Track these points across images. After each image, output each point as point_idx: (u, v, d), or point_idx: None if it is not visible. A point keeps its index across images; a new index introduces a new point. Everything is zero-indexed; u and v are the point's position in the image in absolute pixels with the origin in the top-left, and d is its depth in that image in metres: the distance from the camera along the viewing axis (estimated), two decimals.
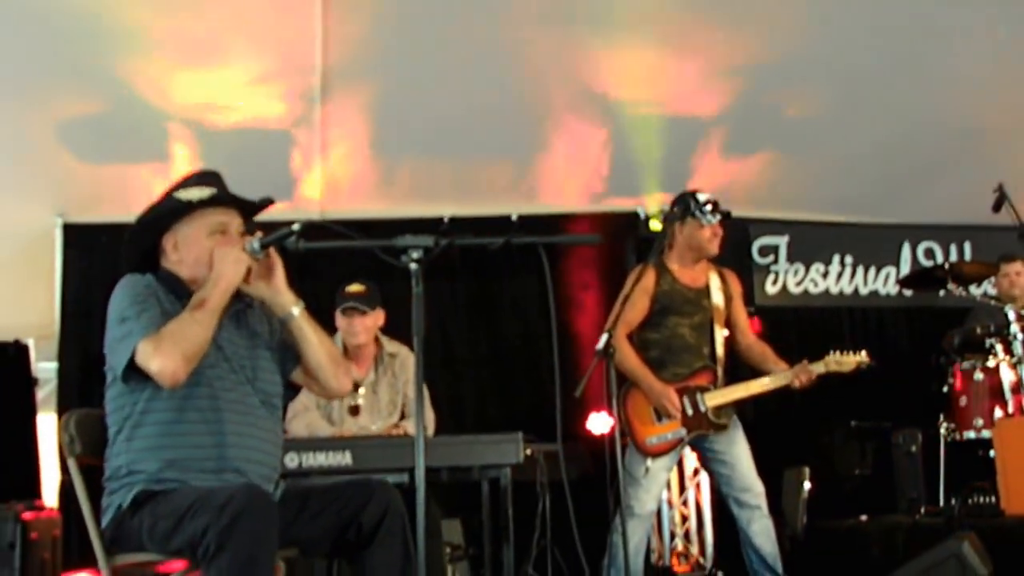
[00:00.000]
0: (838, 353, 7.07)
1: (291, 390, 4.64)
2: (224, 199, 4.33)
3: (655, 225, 8.25)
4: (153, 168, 8.83)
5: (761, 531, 6.94)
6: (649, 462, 6.86)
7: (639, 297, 6.90)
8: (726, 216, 7.04)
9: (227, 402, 4.16)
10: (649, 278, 6.97)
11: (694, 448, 7.23)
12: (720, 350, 7.12)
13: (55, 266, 9.62)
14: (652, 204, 10.24)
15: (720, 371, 7.06)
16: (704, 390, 6.94)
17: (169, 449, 4.07)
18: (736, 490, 6.96)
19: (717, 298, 7.14)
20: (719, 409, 6.93)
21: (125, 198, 8.42)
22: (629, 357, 6.90)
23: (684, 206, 7.03)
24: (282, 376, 4.45)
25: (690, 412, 6.89)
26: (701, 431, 6.93)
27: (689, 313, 7.04)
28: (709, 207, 6.96)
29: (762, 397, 7.09)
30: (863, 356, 7.11)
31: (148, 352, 3.92)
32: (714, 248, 7.09)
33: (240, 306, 4.36)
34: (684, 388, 6.92)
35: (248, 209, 4.42)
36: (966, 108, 9.05)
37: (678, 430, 6.89)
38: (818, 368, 6.98)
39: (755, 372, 7.18)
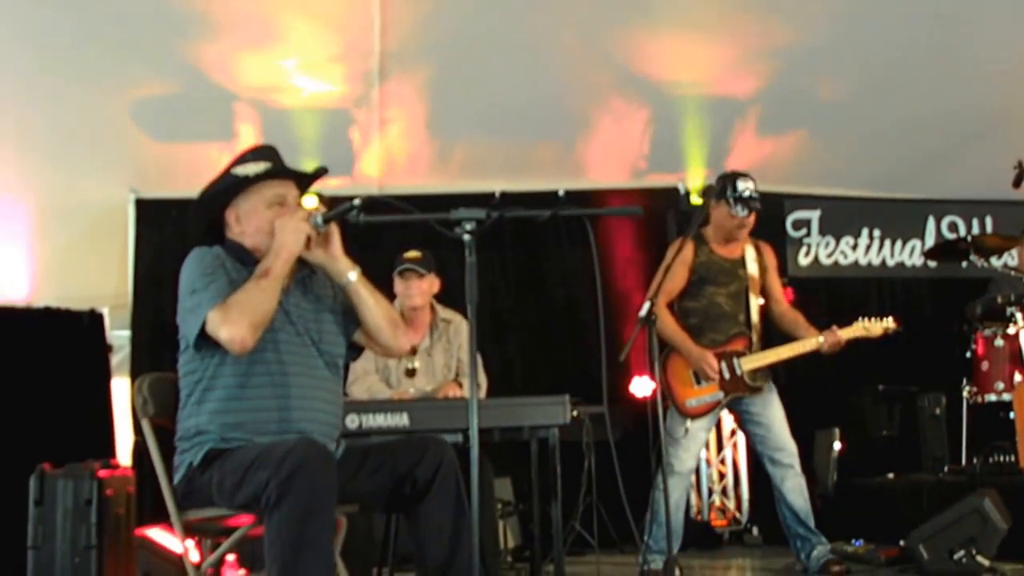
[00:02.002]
0: (866, 320, 7.08)
1: (356, 351, 4.61)
2: (278, 172, 4.32)
3: (696, 200, 8.22)
4: (220, 146, 8.85)
5: (794, 488, 6.97)
6: (688, 423, 6.90)
7: (678, 268, 6.93)
8: (754, 212, 7.04)
9: (292, 364, 4.15)
10: (688, 251, 6.98)
11: (731, 410, 7.22)
12: (755, 317, 7.13)
13: (128, 239, 9.68)
14: (692, 180, 10.20)
15: (755, 337, 7.07)
16: (740, 355, 6.96)
17: (237, 412, 4.06)
18: (771, 449, 6.98)
19: (752, 268, 7.14)
20: (754, 372, 6.96)
21: (194, 175, 8.37)
22: (669, 324, 6.92)
23: (721, 189, 7.03)
24: (345, 338, 4.43)
25: (727, 376, 6.92)
26: (738, 393, 6.95)
27: (725, 283, 7.05)
28: (741, 203, 6.93)
29: (794, 361, 7.09)
30: (890, 322, 7.14)
31: (217, 321, 3.91)
32: (741, 236, 7.13)
33: (306, 272, 4.35)
34: (721, 353, 6.95)
35: (303, 180, 4.41)
36: (988, 90, 8.98)
37: (716, 393, 6.93)
38: (846, 334, 6.99)
39: (787, 339, 7.15)
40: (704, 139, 9.54)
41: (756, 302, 7.18)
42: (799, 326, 7.18)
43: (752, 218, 7.06)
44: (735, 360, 6.94)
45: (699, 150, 9.76)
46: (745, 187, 6.98)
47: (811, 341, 7.00)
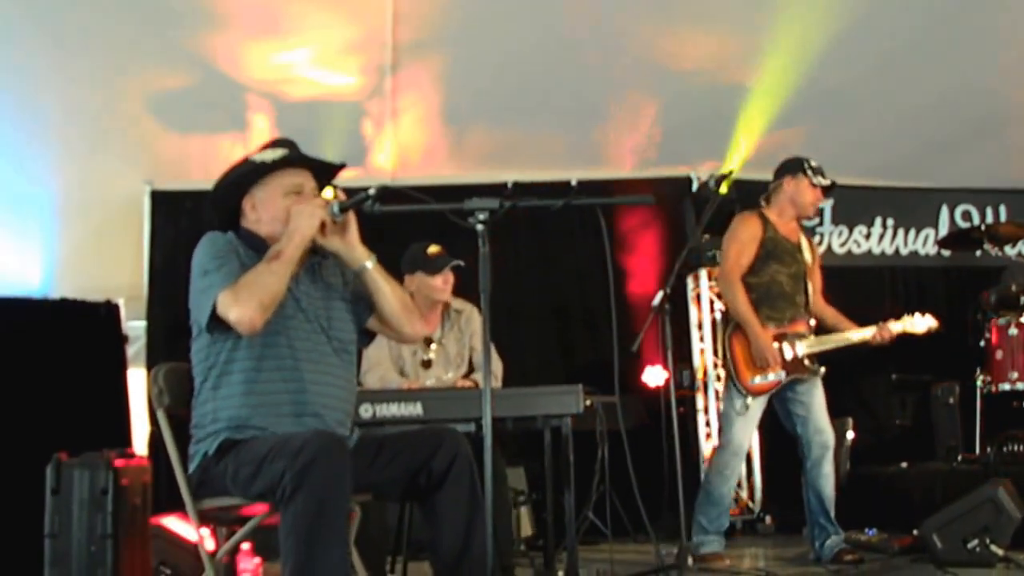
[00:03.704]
0: (912, 316, 7.23)
1: (368, 338, 4.63)
2: (296, 159, 4.33)
3: (723, 189, 8.21)
4: (234, 138, 8.88)
5: (827, 475, 7.05)
6: (749, 400, 6.98)
7: (750, 243, 7.06)
8: (832, 185, 7.21)
9: (304, 351, 4.16)
10: (757, 225, 7.11)
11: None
12: (811, 302, 7.17)
13: (143, 230, 9.72)
14: (703, 170, 10.20)
15: (813, 322, 7.11)
16: (802, 337, 7.04)
17: (251, 396, 4.08)
18: (810, 432, 7.05)
19: (807, 255, 7.22)
20: (811, 357, 7.00)
21: (209, 166, 8.47)
22: (742, 302, 7.01)
23: (798, 164, 7.17)
24: (357, 325, 4.44)
25: (788, 356, 7.00)
26: (798, 375, 7.02)
27: (788, 263, 7.12)
28: (820, 174, 7.12)
29: (845, 350, 7.18)
30: (932, 321, 7.28)
31: (227, 302, 3.93)
32: (812, 211, 7.27)
33: (315, 259, 4.36)
34: (783, 334, 7.04)
35: (321, 171, 4.42)
36: (1002, 78, 8.97)
37: (779, 372, 6.98)
38: (896, 328, 7.13)
39: (827, 330, 7.27)
40: (714, 129, 9.53)
41: (812, 287, 7.27)
42: (840, 320, 7.29)
43: (823, 196, 7.26)
44: (796, 342, 7.02)
45: (708, 140, 9.77)
46: (818, 164, 7.17)
47: (865, 332, 7.13)
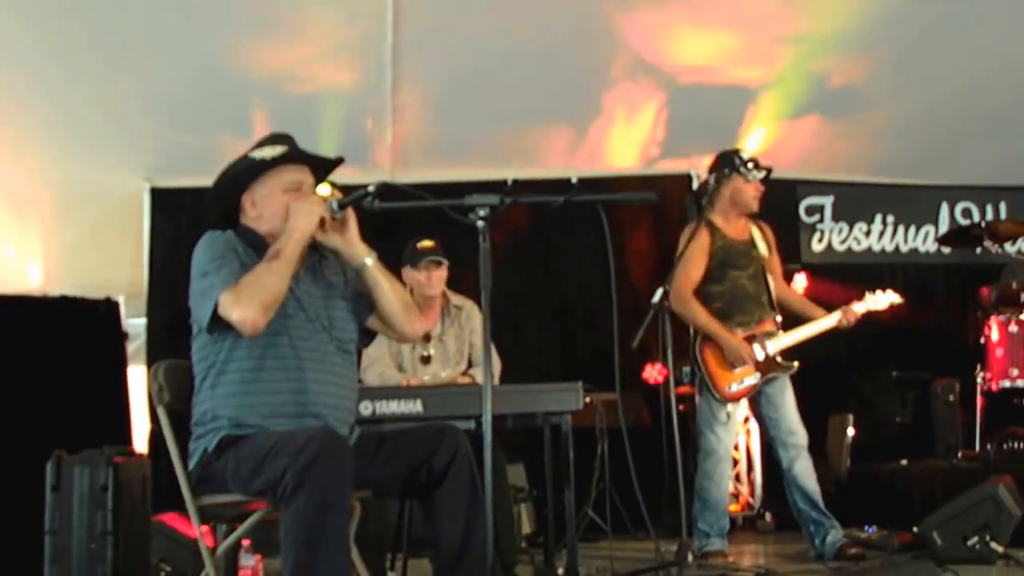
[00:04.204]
0: (872, 294, 7.27)
1: (369, 337, 4.63)
2: (295, 156, 4.33)
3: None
4: (234, 135, 8.84)
5: (804, 470, 7.05)
6: (730, 407, 7.04)
7: (698, 255, 7.02)
8: (768, 173, 7.11)
9: (305, 350, 4.16)
10: (704, 236, 7.04)
11: None
12: (775, 297, 7.18)
13: (143, 228, 9.71)
14: (703, 167, 10.19)
15: (779, 318, 7.11)
16: (770, 335, 7.06)
17: (251, 395, 4.08)
18: (783, 432, 7.07)
19: (762, 248, 7.25)
20: (783, 353, 7.01)
21: (208, 164, 8.41)
22: (700, 313, 7.01)
23: (729, 163, 7.12)
24: (357, 323, 4.44)
25: (760, 357, 7.00)
26: (773, 373, 7.05)
27: (744, 265, 7.12)
28: (752, 164, 7.03)
29: (808, 347, 7.16)
30: (895, 296, 7.32)
31: (229, 303, 3.93)
32: (756, 205, 7.19)
33: (316, 258, 4.37)
34: (752, 336, 7.04)
35: (319, 167, 4.42)
36: (1003, 76, 8.94)
37: (754, 375, 7.01)
38: (860, 308, 7.17)
39: (796, 319, 7.29)
40: (717, 126, 9.52)
41: (772, 282, 7.28)
42: (807, 306, 7.34)
43: (762, 187, 7.18)
44: (766, 341, 7.03)
45: (711, 137, 9.75)
46: (749, 155, 7.15)
47: (831, 318, 7.15)
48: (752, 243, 7.18)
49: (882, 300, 7.24)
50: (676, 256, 7.00)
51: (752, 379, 7.00)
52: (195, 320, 4.13)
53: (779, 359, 7.03)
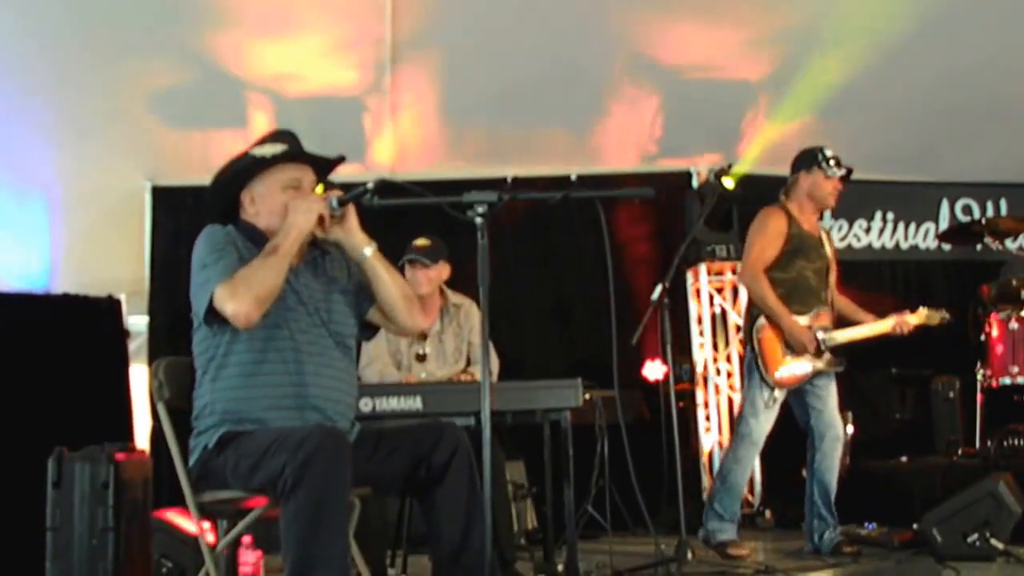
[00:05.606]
0: (928, 308, 7.27)
1: (371, 331, 4.64)
2: (295, 154, 4.35)
3: (729, 183, 8.22)
4: (234, 134, 8.88)
5: (831, 465, 7.12)
6: (777, 393, 7.00)
7: (775, 236, 7.07)
8: (849, 173, 7.19)
9: (305, 344, 4.18)
10: (782, 220, 7.10)
11: None
12: (833, 296, 7.25)
13: (144, 226, 9.76)
14: (702, 165, 10.22)
15: (834, 315, 7.12)
16: (827, 330, 7.05)
17: (252, 388, 4.10)
18: (823, 425, 7.11)
19: (828, 249, 7.29)
20: (835, 349, 7.03)
21: (209, 162, 8.45)
22: (769, 293, 7.00)
23: (812, 157, 7.18)
24: (358, 317, 4.46)
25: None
26: (824, 368, 7.04)
27: (813, 258, 7.15)
28: (833, 162, 7.11)
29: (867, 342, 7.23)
30: (945, 313, 7.33)
31: (224, 296, 3.95)
32: (832, 201, 7.26)
33: (316, 253, 4.39)
34: (809, 327, 7.02)
35: (320, 166, 4.43)
36: (1002, 73, 8.95)
37: (807, 364, 7.00)
38: (913, 319, 7.18)
39: (845, 321, 7.30)
40: (714, 124, 9.53)
41: (831, 282, 7.31)
42: (858, 311, 7.34)
43: (841, 184, 7.23)
44: (822, 334, 7.02)
45: (709, 135, 9.78)
46: (832, 152, 7.18)
47: (885, 323, 7.17)
48: (821, 241, 7.21)
49: (934, 316, 7.25)
50: (750, 233, 7.13)
51: (803, 368, 6.99)
52: (194, 313, 4.15)
53: (830, 356, 7.02)
